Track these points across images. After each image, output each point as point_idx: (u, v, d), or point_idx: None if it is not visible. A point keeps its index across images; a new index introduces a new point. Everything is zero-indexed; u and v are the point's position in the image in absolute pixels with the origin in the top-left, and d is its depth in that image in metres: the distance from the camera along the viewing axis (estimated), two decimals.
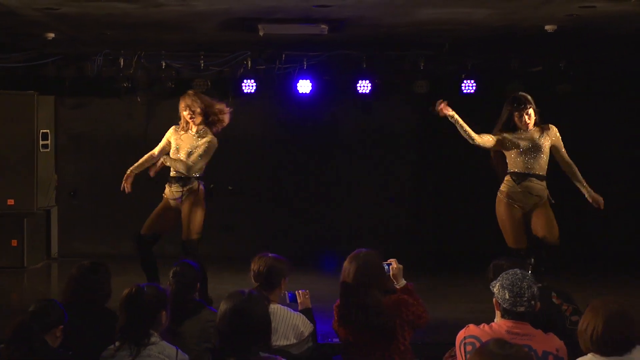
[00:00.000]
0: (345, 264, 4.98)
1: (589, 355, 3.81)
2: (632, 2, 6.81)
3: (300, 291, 5.38)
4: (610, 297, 3.95)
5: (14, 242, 9.94)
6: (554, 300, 5.12)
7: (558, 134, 7.14)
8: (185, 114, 7.34)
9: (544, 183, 7.12)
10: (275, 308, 4.90)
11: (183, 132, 7.38)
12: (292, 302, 5.36)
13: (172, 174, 7.35)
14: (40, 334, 4.16)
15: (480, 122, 10.90)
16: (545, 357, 3.94)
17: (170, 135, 7.46)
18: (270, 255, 5.18)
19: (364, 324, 4.87)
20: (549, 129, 7.09)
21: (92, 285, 4.90)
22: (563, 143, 7.23)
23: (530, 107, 6.96)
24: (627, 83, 10.95)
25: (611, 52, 10.33)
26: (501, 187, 7.19)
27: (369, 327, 4.87)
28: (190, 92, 7.53)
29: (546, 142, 7.03)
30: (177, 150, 7.34)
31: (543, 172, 7.08)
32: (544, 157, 7.05)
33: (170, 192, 7.35)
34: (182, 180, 7.28)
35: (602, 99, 11.17)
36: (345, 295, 4.94)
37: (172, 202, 7.38)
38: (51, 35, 8.91)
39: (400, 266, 5.21)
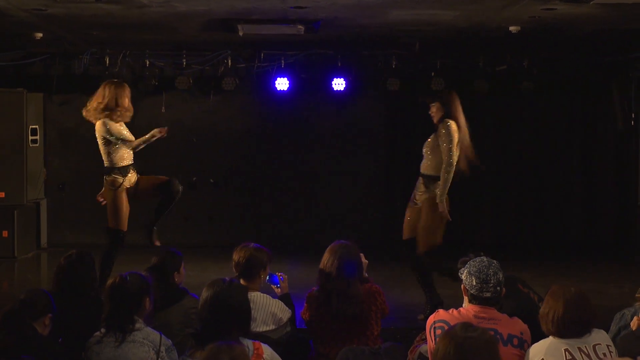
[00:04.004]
0: (327, 255, 4.93)
1: (550, 337, 3.84)
2: (590, 4, 6.85)
3: (280, 275, 5.34)
4: (569, 283, 3.98)
5: (5, 233, 9.86)
6: (520, 288, 5.12)
7: None
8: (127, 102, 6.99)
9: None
10: (254, 296, 4.87)
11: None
12: (274, 285, 5.30)
13: (130, 162, 6.98)
14: (29, 321, 4.13)
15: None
16: (510, 339, 3.96)
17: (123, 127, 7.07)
18: (251, 245, 5.12)
19: (342, 313, 4.84)
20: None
21: (79, 273, 4.87)
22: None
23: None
24: (586, 80, 11.02)
25: (571, 51, 10.39)
26: None
27: (346, 316, 4.85)
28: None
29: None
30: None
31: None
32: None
33: (128, 179, 6.97)
34: (133, 164, 7.03)
35: (563, 95, 11.26)
36: (328, 285, 4.89)
37: (129, 190, 7.02)
38: (39, 35, 8.83)
39: (366, 261, 5.19)
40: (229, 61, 10.38)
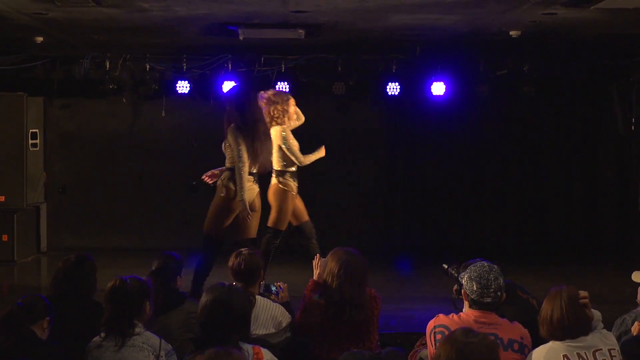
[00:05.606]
0: (332, 263, 4.84)
1: (550, 343, 3.83)
2: (591, 9, 6.85)
3: (279, 285, 5.33)
4: (566, 284, 3.97)
5: (5, 237, 9.84)
6: (520, 294, 5.07)
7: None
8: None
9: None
10: (255, 299, 4.87)
11: None
12: (273, 295, 5.30)
13: (296, 168, 7.86)
14: (27, 324, 4.12)
15: (449, 121, 11.04)
16: (510, 344, 3.95)
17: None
18: (245, 251, 5.11)
19: (352, 319, 4.80)
20: None
21: (78, 277, 4.84)
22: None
23: None
24: (586, 84, 11.02)
25: (571, 55, 10.40)
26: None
27: (353, 322, 4.82)
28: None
29: None
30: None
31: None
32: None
33: (296, 186, 7.86)
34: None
35: (563, 99, 11.26)
36: (338, 293, 4.78)
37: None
38: (40, 38, 8.83)
39: None
40: (230, 65, 10.38)
